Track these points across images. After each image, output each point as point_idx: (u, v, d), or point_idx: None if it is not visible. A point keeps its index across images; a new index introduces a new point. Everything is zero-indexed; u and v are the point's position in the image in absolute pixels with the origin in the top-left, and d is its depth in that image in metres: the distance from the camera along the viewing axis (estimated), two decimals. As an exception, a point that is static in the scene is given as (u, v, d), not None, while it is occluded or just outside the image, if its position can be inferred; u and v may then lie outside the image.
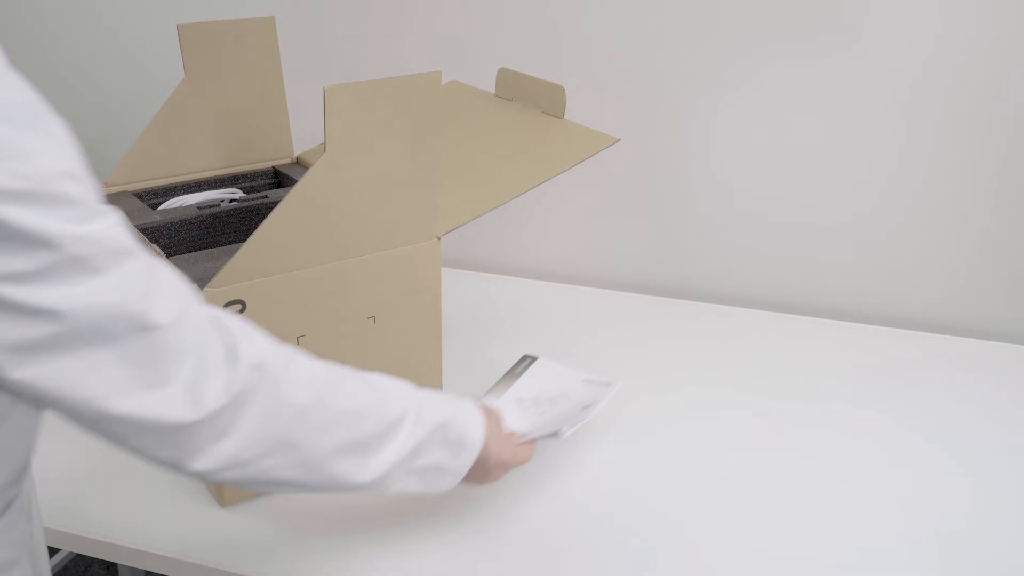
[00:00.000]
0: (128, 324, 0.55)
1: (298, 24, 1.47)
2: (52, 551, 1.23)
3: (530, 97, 1.21)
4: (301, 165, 1.23)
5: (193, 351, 0.60)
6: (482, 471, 0.85)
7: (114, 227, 0.55)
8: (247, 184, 1.21)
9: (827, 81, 1.30)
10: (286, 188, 1.19)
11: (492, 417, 0.88)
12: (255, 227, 0.86)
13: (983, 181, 1.30)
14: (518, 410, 0.98)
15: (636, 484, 1.01)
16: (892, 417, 1.14)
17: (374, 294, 0.96)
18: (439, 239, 0.98)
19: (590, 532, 0.94)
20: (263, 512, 0.96)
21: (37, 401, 0.56)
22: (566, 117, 1.17)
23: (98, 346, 0.55)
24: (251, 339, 0.65)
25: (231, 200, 1.14)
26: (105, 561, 1.58)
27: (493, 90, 1.27)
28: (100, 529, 0.93)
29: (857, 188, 1.35)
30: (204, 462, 0.63)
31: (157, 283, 0.58)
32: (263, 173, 1.22)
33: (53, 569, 1.79)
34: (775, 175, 1.38)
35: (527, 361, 1.08)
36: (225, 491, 0.96)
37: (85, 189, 0.54)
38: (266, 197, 1.13)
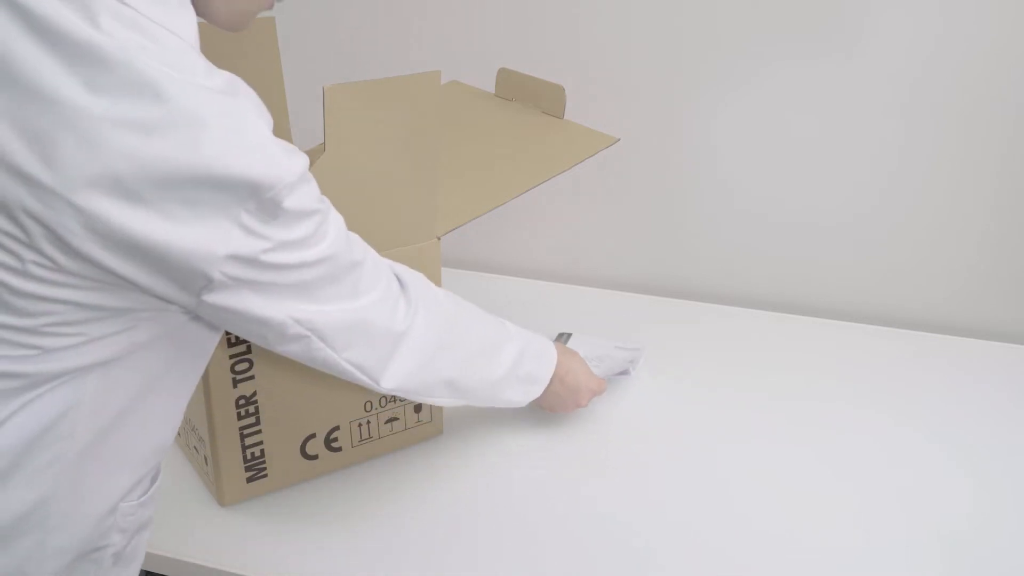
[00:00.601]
0: (345, 264, 0.70)
1: (298, 24, 1.47)
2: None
3: (530, 97, 1.21)
4: (301, 165, 1.23)
5: (383, 278, 0.76)
6: (573, 397, 1.04)
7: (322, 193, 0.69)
8: (247, 184, 1.20)
9: (827, 81, 1.30)
10: (286, 188, 1.19)
11: (576, 354, 1.07)
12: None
13: (983, 181, 1.30)
14: None
15: (637, 484, 1.01)
16: (892, 417, 1.14)
17: (374, 294, 0.96)
18: (439, 239, 0.98)
19: (591, 532, 0.94)
20: (263, 512, 0.96)
21: (288, 336, 0.69)
22: (566, 117, 1.17)
23: (330, 284, 0.69)
24: (400, 266, 0.81)
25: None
26: (105, 561, 1.57)
27: (493, 90, 1.27)
28: (100, 529, 0.92)
29: (857, 188, 1.35)
30: (402, 364, 0.78)
31: (347, 231, 0.72)
32: (263, 173, 1.22)
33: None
34: (775, 175, 1.38)
35: (564, 336, 1.27)
36: (225, 491, 0.96)
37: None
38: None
